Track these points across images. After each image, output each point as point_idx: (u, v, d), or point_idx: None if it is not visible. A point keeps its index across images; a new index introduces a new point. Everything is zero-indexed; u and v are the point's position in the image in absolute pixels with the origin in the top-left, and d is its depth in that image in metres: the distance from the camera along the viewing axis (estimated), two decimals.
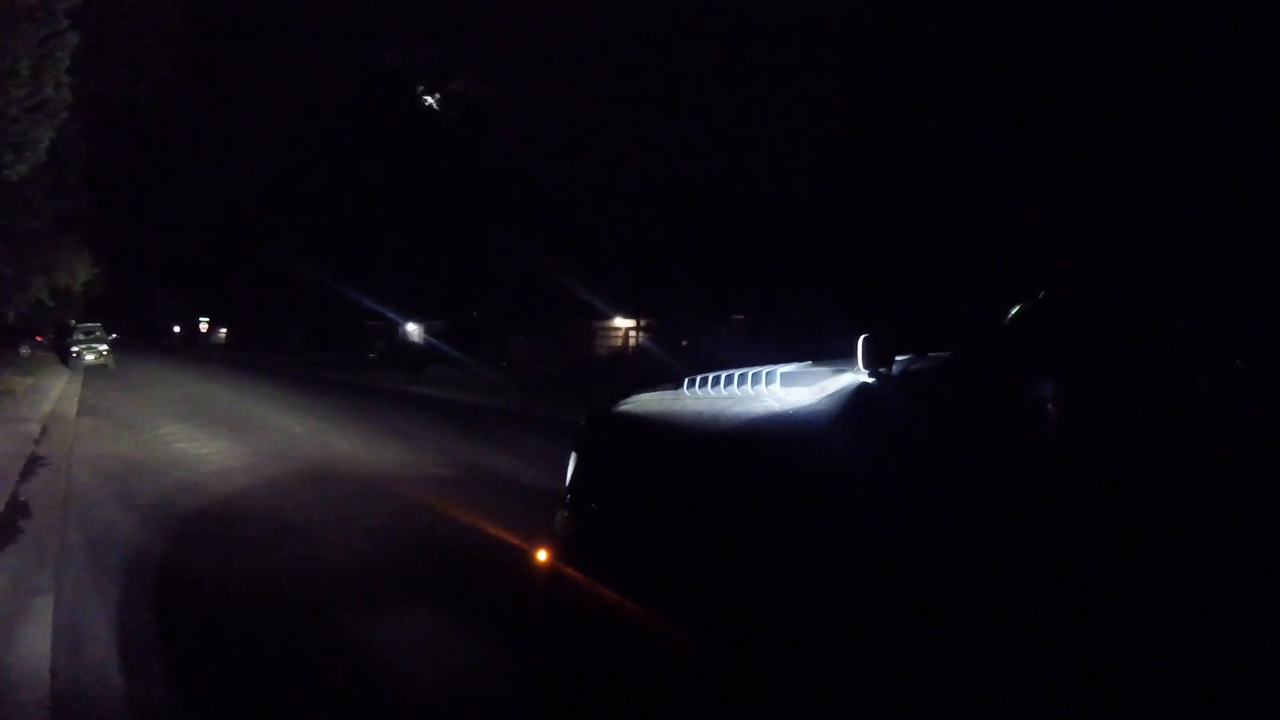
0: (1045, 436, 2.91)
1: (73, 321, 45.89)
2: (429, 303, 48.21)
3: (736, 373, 3.84)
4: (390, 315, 50.36)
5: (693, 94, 29.31)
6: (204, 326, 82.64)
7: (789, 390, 3.54)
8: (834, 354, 4.13)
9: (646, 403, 4.09)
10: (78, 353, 35.34)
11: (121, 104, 31.85)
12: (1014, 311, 3.49)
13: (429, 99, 48.55)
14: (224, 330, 76.51)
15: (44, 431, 14.56)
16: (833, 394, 3.34)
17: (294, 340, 60.93)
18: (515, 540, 7.73)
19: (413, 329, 52.31)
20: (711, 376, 3.92)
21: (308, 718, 4.56)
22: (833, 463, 3.14)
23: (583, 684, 3.92)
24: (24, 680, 4.77)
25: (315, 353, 51.72)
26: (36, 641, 5.31)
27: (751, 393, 3.64)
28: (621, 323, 40.22)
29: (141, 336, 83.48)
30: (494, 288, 42.52)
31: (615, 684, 3.64)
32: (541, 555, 4.19)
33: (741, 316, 34.52)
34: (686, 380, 4.04)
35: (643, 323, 38.88)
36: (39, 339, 47.03)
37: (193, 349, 68.15)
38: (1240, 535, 2.56)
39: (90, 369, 33.83)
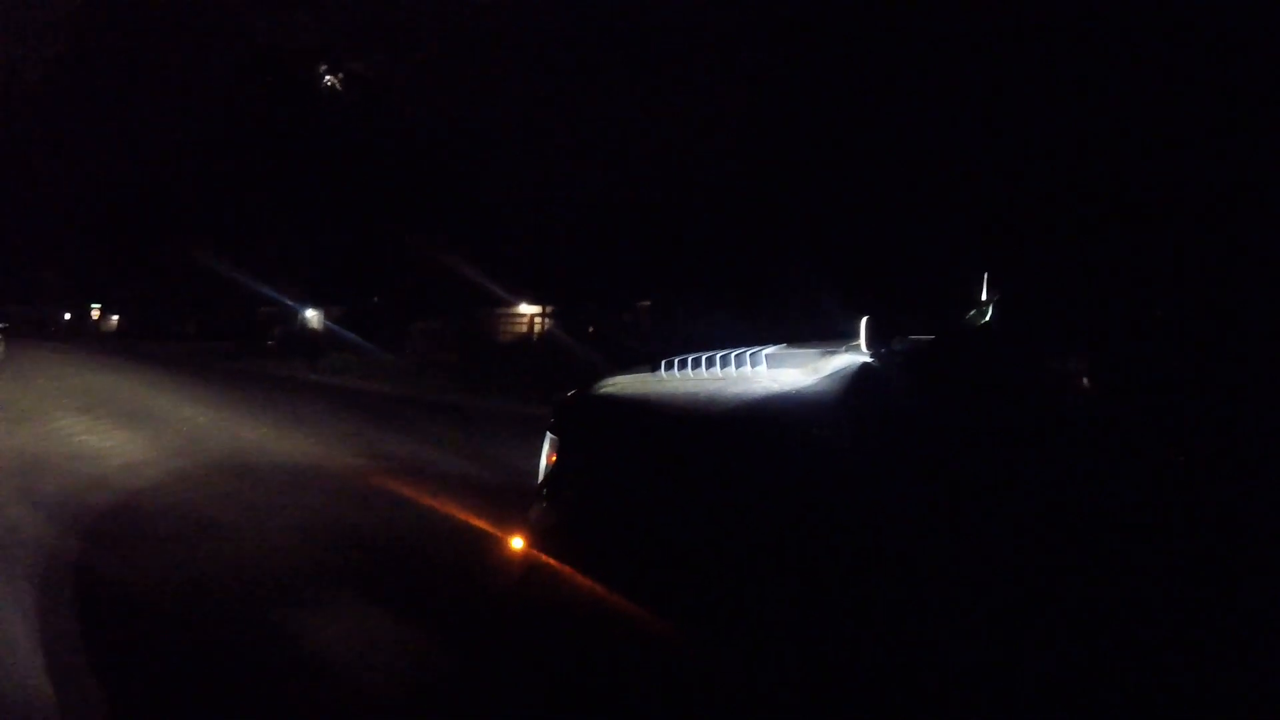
0: (1030, 421, 2.93)
1: None
2: (327, 288, 47.33)
3: (717, 354, 3.78)
4: (287, 302, 49.36)
5: (601, 79, 29.19)
6: (94, 314, 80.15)
7: (779, 372, 3.49)
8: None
9: (628, 385, 3.99)
10: None
11: (9, 85, 30.73)
12: (972, 313, 3.55)
13: (329, 79, 47.46)
14: (115, 318, 74.27)
15: None
16: (833, 375, 3.30)
17: (188, 328, 59.54)
18: (442, 528, 7.65)
19: (311, 315, 51.33)
20: (690, 359, 3.85)
21: (247, 716, 4.41)
22: (844, 442, 3.10)
23: (560, 677, 3.84)
24: None
25: (211, 341, 50.56)
26: None
27: (738, 374, 3.58)
28: (526, 309, 40.05)
29: (29, 325, 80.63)
30: (395, 273, 41.87)
31: (597, 678, 3.56)
32: (516, 544, 4.07)
33: (648, 303, 34.62)
34: (664, 363, 3.97)
35: (548, 309, 38.76)
36: None
37: (83, 338, 65.98)
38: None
39: None
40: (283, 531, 7.65)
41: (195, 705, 4.53)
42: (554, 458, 3.93)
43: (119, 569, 6.63)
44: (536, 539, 3.90)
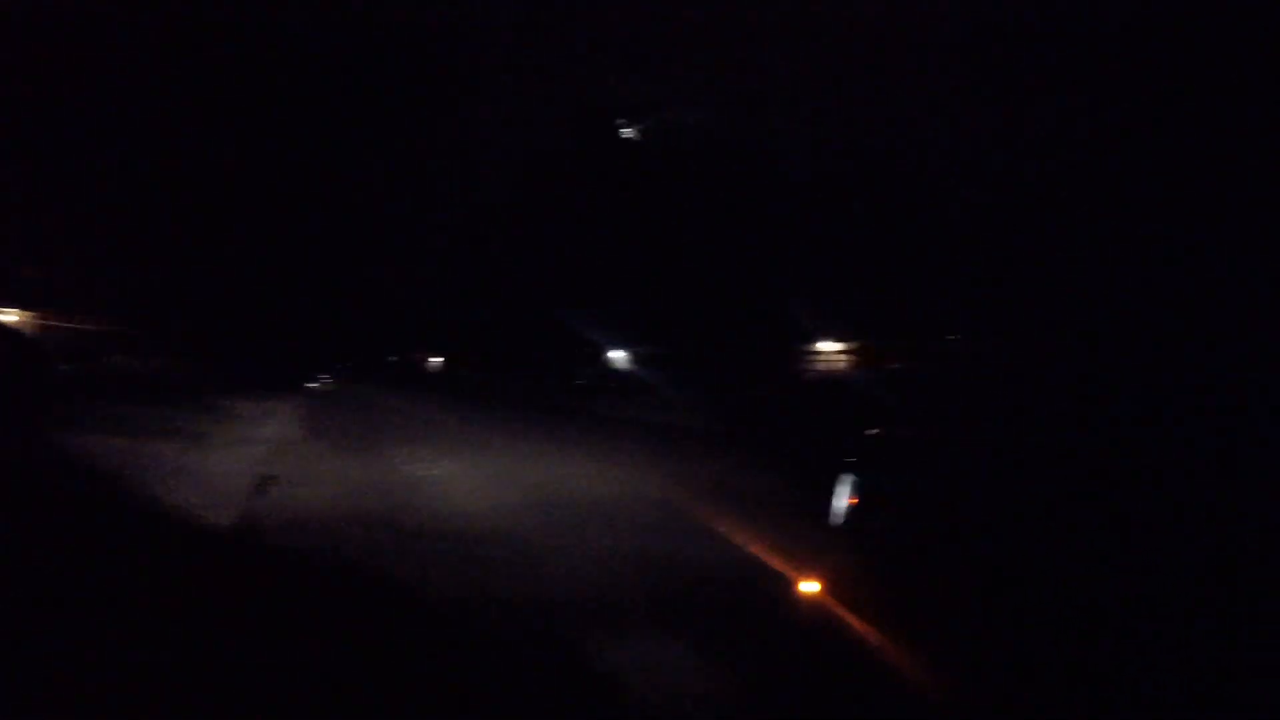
0: None
1: None
2: (639, 329, 48.58)
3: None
4: (600, 341, 51.03)
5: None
6: (421, 357, 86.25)
7: None
8: None
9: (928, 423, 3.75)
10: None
11: None
12: None
13: (629, 130, 49.05)
14: (440, 359, 79.39)
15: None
16: None
17: (509, 367, 62.81)
18: (753, 565, 7.57)
19: (619, 355, 52.90)
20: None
21: None
22: None
23: None
24: None
25: (530, 378, 53.01)
26: None
27: None
28: (829, 346, 39.65)
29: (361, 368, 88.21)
30: (704, 316, 42.47)
31: None
32: (808, 587, 3.93)
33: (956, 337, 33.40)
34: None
35: (851, 345, 38.22)
36: None
37: (410, 375, 71.24)
38: None
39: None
40: (588, 560, 7.81)
41: (489, 711, 4.70)
42: (855, 500, 3.73)
43: (440, 587, 6.97)
44: (830, 585, 3.71)
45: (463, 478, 12.56)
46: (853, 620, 3.55)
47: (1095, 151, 22.79)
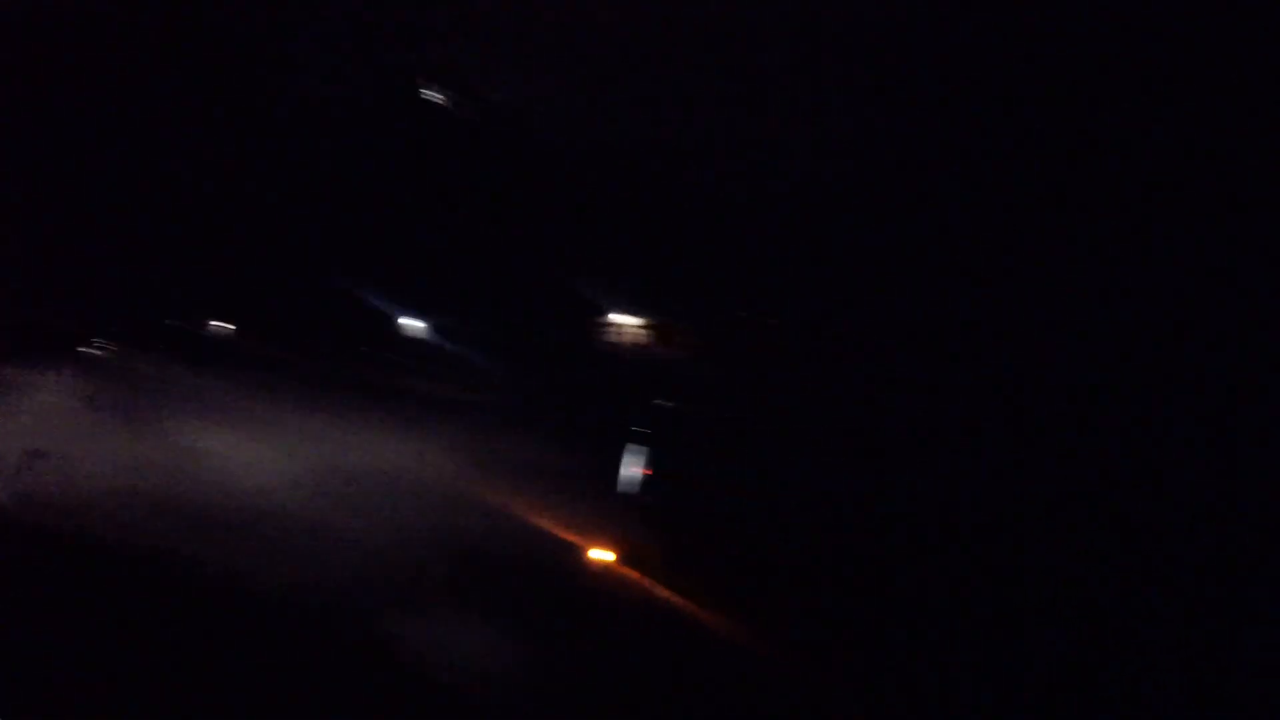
0: None
1: None
2: (435, 300, 48.00)
3: None
4: (393, 312, 50.22)
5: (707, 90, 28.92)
6: (206, 322, 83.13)
7: None
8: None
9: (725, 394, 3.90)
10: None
11: None
12: None
13: (438, 96, 48.31)
14: (226, 326, 76.86)
15: None
16: None
17: (300, 335, 61.07)
18: (548, 538, 7.66)
19: (414, 326, 52.16)
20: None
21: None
22: None
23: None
24: None
25: (322, 348, 51.76)
26: None
27: None
28: (623, 320, 40.09)
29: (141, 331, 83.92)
30: (510, 283, 42.30)
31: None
32: (602, 555, 4.02)
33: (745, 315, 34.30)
34: None
35: (650, 321, 38.78)
36: None
37: (192, 342, 68.36)
38: None
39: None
40: (382, 538, 7.76)
41: (287, 694, 4.62)
42: (649, 470, 3.83)
43: (226, 570, 6.79)
44: (623, 552, 3.81)
45: (251, 454, 12.21)
46: (647, 584, 3.67)
47: (901, 147, 23.76)
